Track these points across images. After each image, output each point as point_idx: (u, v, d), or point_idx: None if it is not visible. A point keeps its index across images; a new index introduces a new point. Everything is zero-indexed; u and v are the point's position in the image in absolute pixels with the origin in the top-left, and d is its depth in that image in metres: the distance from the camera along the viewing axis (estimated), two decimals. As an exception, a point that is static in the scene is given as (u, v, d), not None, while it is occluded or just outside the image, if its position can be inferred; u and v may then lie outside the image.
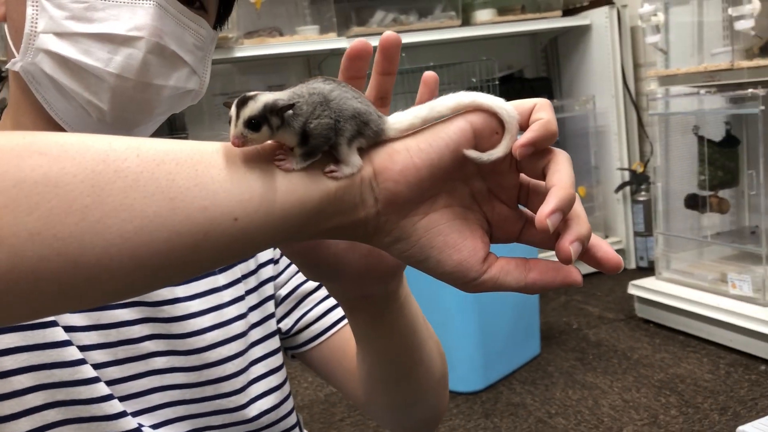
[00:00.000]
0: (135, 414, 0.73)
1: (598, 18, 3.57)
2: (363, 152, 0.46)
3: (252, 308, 0.83)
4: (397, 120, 0.47)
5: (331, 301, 0.86)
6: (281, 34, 3.29)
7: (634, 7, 3.51)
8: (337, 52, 3.29)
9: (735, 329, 2.50)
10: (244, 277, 0.83)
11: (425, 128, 0.47)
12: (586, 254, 0.47)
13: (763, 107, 2.39)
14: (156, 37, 0.67)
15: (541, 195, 0.48)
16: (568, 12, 3.69)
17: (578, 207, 0.46)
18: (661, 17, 2.64)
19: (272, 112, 0.42)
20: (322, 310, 0.86)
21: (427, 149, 0.45)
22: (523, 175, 0.49)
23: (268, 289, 0.85)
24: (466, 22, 3.46)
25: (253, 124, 0.42)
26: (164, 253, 0.40)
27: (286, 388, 0.85)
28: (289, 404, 0.84)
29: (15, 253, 0.38)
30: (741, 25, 2.31)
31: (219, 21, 0.76)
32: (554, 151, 0.46)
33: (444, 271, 0.48)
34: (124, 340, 0.73)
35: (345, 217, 0.45)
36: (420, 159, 0.45)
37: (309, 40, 3.21)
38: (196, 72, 0.73)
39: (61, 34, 0.66)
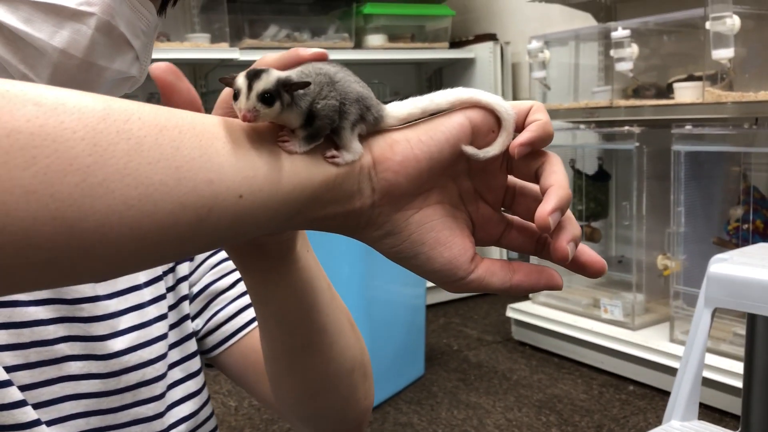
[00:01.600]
0: (48, 423, 0.66)
1: (482, 52, 3.72)
2: (362, 140, 0.45)
3: (170, 308, 0.78)
4: (395, 108, 0.46)
5: (245, 300, 0.81)
6: (169, 39, 3.17)
7: (517, 44, 3.70)
8: (228, 63, 3.21)
9: (606, 351, 2.65)
10: (165, 274, 0.78)
11: (423, 121, 0.46)
12: (572, 259, 0.47)
13: (637, 144, 2.57)
14: (107, 15, 0.62)
15: (528, 197, 0.49)
16: (454, 44, 3.83)
17: (568, 210, 0.46)
18: (547, 54, 2.80)
19: (285, 87, 0.41)
20: (235, 309, 0.81)
21: (427, 141, 0.45)
22: (509, 177, 0.50)
23: (183, 288, 0.80)
24: (359, 45, 3.50)
25: (267, 98, 0.40)
26: (166, 226, 0.37)
27: (205, 394, 0.80)
28: (207, 410, 0.80)
29: (6, 212, 0.33)
30: (621, 67, 2.49)
31: (163, 8, 0.72)
32: (548, 153, 0.47)
33: (433, 269, 0.47)
34: (38, 341, 0.66)
35: (339, 206, 0.44)
36: (420, 151, 0.44)
37: (200, 48, 3.11)
38: (140, 58, 0.68)
39: None
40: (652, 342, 2.51)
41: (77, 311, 0.69)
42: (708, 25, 2.13)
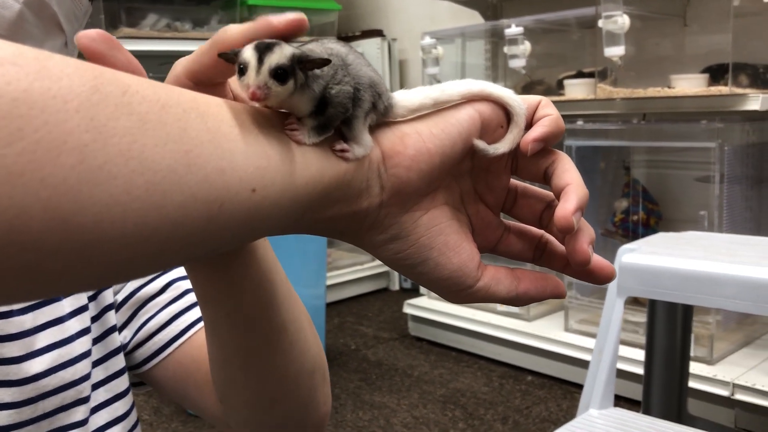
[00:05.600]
0: None
1: (369, 48, 3.69)
2: (370, 131, 0.40)
3: (93, 319, 0.68)
4: (406, 98, 0.42)
5: (179, 306, 0.72)
6: (35, 26, 2.90)
7: (404, 40, 3.71)
8: (103, 53, 2.99)
9: (503, 343, 2.70)
10: None
11: (432, 113, 0.42)
12: None
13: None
14: None
15: (532, 199, 0.46)
16: (341, 39, 3.76)
17: None
18: (440, 50, 2.81)
19: (301, 64, 0.35)
20: (168, 316, 0.71)
21: (440, 135, 0.41)
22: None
23: (107, 296, 0.70)
24: (244, 36, 3.36)
25: (280, 74, 0.35)
26: (176, 223, 0.31)
27: (133, 416, 0.71)
28: None
29: None
30: (514, 63, 2.54)
31: None
32: (558, 152, 0.44)
33: (441, 276, 0.43)
34: None
35: (346, 205, 0.39)
36: (434, 145, 0.40)
37: (71, 35, 2.88)
38: (68, 46, 0.59)
39: None
40: (548, 332, 2.58)
41: None
42: (600, 23, 2.21)
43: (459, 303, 0.45)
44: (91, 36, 0.36)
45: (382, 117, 0.41)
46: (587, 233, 0.41)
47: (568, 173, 0.42)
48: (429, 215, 0.42)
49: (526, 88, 2.79)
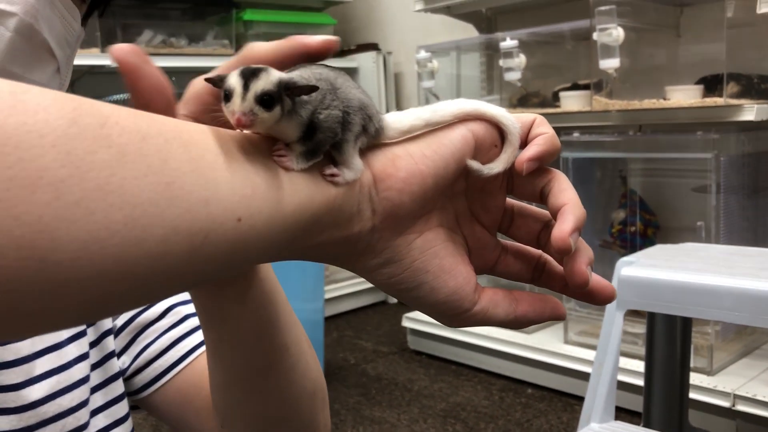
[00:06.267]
0: None
1: (365, 62, 3.71)
2: (360, 154, 0.39)
3: (92, 345, 0.67)
4: (396, 119, 0.41)
5: (179, 331, 0.72)
6: (31, 44, 2.90)
7: (398, 54, 3.72)
8: (98, 70, 2.99)
9: (503, 356, 2.69)
10: None
11: (423, 134, 0.42)
12: None
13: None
14: (31, 17, 0.52)
15: (529, 218, 0.46)
16: (336, 53, 3.77)
17: None
18: (435, 64, 2.81)
19: (288, 91, 0.35)
20: (167, 342, 0.71)
21: (432, 156, 0.40)
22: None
23: (106, 322, 0.69)
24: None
25: (266, 100, 0.35)
26: (156, 257, 0.30)
27: None
28: None
29: None
30: (510, 76, 2.54)
31: (86, 17, 0.62)
32: (554, 170, 0.44)
33: (437, 301, 0.42)
34: None
35: (337, 230, 0.39)
36: (426, 166, 0.40)
37: (67, 53, 2.87)
38: (61, 71, 0.58)
39: None
40: (547, 344, 2.57)
41: None
42: (595, 36, 2.22)
43: (456, 327, 0.44)
44: (124, 50, 0.36)
45: (373, 139, 0.40)
46: (585, 254, 0.41)
47: (564, 193, 0.41)
48: (423, 238, 0.42)
49: (521, 101, 2.80)
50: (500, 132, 0.43)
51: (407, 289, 0.42)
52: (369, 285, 3.67)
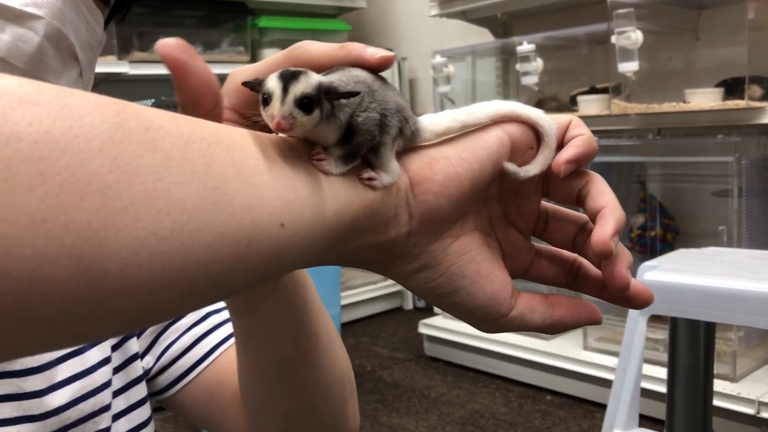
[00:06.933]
0: None
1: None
2: (397, 157, 0.39)
3: (113, 348, 0.67)
4: (432, 121, 0.41)
5: (201, 329, 0.71)
6: (48, 53, 2.92)
7: (414, 59, 3.71)
8: (115, 78, 3.00)
9: (521, 362, 2.66)
10: None
11: (459, 136, 0.41)
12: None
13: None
14: (58, 21, 0.51)
15: (564, 221, 0.45)
16: (350, 59, 3.78)
17: None
18: (451, 69, 2.81)
19: (327, 94, 0.35)
20: (190, 339, 0.71)
21: (468, 159, 0.40)
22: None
23: None
24: (254, 59, 3.38)
25: (306, 104, 0.34)
26: (203, 264, 0.29)
27: None
28: None
29: (6, 250, 0.24)
30: (527, 80, 2.53)
31: (107, 22, 0.62)
32: (591, 172, 0.43)
33: (474, 306, 0.41)
34: None
35: (374, 235, 0.38)
36: (462, 169, 0.39)
37: (84, 61, 2.89)
38: (83, 76, 0.58)
39: None
40: (566, 350, 2.54)
41: (7, 364, 0.57)
42: (613, 39, 2.20)
43: (492, 332, 0.43)
44: (172, 45, 0.35)
45: (409, 142, 0.40)
46: (625, 257, 0.40)
47: (603, 195, 0.40)
48: (459, 242, 0.41)
49: (538, 105, 2.78)
50: (536, 133, 0.42)
51: (443, 294, 0.41)
52: (385, 291, 3.66)
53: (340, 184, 0.36)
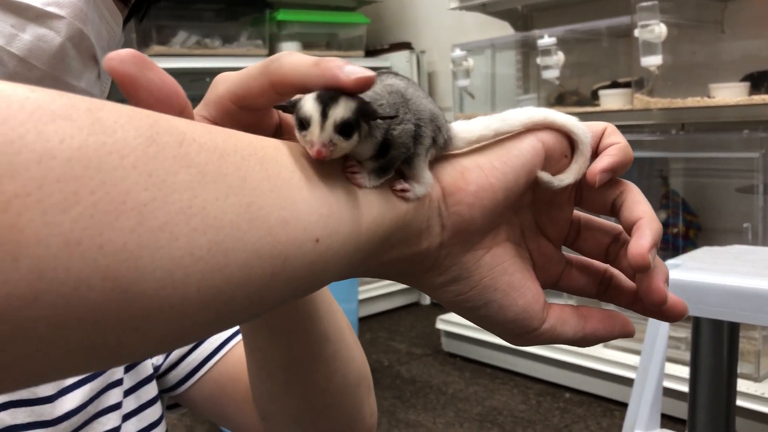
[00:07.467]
0: None
1: (398, 61, 3.68)
2: (429, 167, 0.38)
3: None
4: (465, 129, 0.40)
5: None
6: (68, 46, 2.93)
7: (432, 52, 3.69)
8: (134, 72, 3.01)
9: (539, 359, 2.64)
10: None
11: (492, 144, 0.40)
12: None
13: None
14: (80, 21, 0.50)
15: (597, 231, 0.44)
16: (369, 53, 3.77)
17: None
18: (471, 62, 2.78)
19: (366, 116, 0.34)
20: None
21: (502, 168, 0.38)
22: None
23: None
24: (272, 52, 3.36)
25: (345, 128, 0.33)
26: (238, 284, 0.28)
27: None
28: None
29: (40, 274, 0.23)
30: (548, 74, 2.50)
31: (125, 21, 0.60)
32: (626, 182, 0.42)
33: (505, 319, 0.40)
34: None
35: (407, 247, 0.37)
36: (496, 179, 0.38)
37: (103, 55, 2.90)
38: (101, 77, 0.57)
39: None
40: (586, 348, 2.51)
41: None
42: (636, 32, 2.16)
43: (523, 345, 0.42)
44: (120, 57, 0.32)
45: (442, 151, 0.39)
46: (662, 271, 0.39)
47: (639, 205, 0.39)
48: (491, 254, 0.40)
49: (559, 99, 2.75)
50: (570, 141, 0.41)
51: (474, 307, 0.40)
52: (403, 286, 3.65)
53: (373, 196, 0.35)
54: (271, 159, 0.31)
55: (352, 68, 0.34)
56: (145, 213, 0.25)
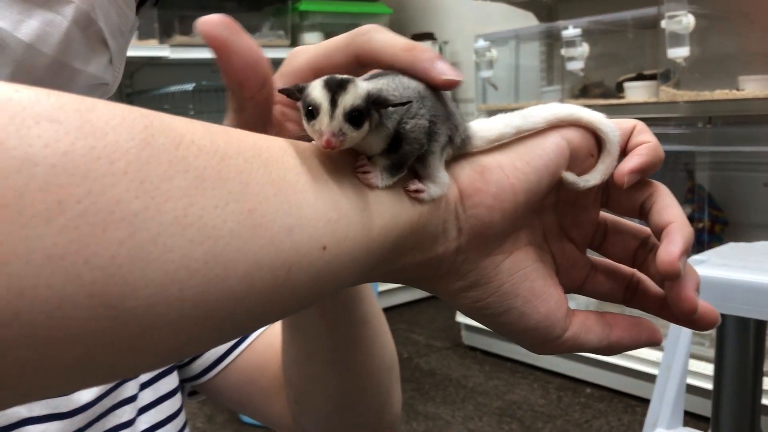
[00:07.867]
0: None
1: (420, 51, 3.65)
2: (445, 166, 0.36)
3: None
4: (483, 127, 0.37)
5: None
6: (92, 36, 2.95)
7: (455, 43, 3.66)
8: (157, 61, 3.02)
9: (560, 354, 2.61)
10: None
11: (513, 143, 0.38)
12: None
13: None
14: (87, 5, 0.49)
15: (625, 234, 0.42)
16: (391, 43, 3.74)
17: None
18: (494, 53, 2.75)
19: (377, 104, 0.32)
20: None
21: (524, 168, 0.36)
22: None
23: None
24: (295, 43, 3.36)
25: (355, 117, 0.31)
26: (239, 297, 0.27)
27: None
28: None
29: (20, 292, 0.22)
30: (572, 66, 2.46)
31: (140, 6, 0.60)
32: (656, 183, 0.40)
33: (527, 327, 0.38)
34: None
35: (421, 253, 0.35)
36: (517, 180, 0.36)
37: (126, 45, 2.91)
38: (113, 62, 0.56)
39: None
40: (607, 343, 2.49)
41: None
42: (663, 24, 2.12)
43: (544, 354, 0.40)
44: (213, 22, 0.32)
45: (459, 151, 0.37)
46: (693, 278, 0.37)
47: (669, 209, 0.37)
48: (512, 259, 0.38)
49: (583, 91, 2.71)
50: (597, 139, 0.39)
51: (494, 314, 0.38)
52: (422, 278, 3.63)
53: (385, 197, 0.33)
54: (276, 161, 0.30)
55: (443, 67, 0.33)
56: (135, 223, 0.24)
